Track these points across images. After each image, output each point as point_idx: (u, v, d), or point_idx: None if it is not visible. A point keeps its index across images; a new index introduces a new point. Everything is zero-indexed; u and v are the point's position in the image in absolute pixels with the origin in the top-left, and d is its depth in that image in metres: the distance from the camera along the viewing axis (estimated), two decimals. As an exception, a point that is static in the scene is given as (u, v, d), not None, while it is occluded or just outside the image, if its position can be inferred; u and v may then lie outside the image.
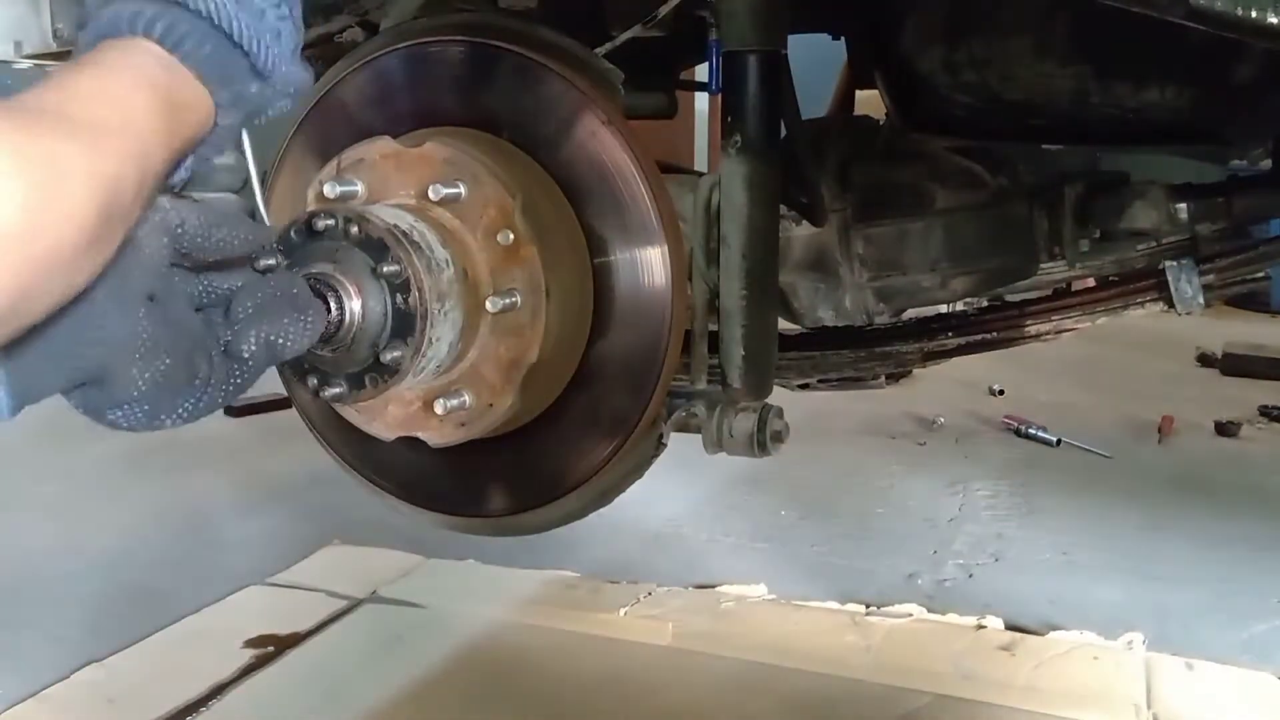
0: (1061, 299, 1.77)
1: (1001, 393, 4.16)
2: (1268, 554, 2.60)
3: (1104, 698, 1.88)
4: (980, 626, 2.15)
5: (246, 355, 0.80)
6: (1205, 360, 4.81)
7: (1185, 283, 1.58)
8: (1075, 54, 1.55)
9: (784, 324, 1.64)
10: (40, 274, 0.58)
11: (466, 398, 1.15)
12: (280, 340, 0.82)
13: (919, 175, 1.67)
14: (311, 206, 1.12)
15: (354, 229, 1.00)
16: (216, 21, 0.75)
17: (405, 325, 1.00)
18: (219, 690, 1.91)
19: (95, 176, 0.61)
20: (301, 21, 0.83)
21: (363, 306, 0.97)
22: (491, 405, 1.16)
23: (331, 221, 1.00)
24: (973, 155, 1.71)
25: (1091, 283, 1.94)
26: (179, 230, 0.75)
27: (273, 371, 1.16)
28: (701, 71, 1.95)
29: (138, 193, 0.67)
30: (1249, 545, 2.66)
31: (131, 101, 0.68)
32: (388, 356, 1.00)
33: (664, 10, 1.36)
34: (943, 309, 1.92)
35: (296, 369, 1.03)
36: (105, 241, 0.64)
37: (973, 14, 1.61)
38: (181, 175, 0.78)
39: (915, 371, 3.08)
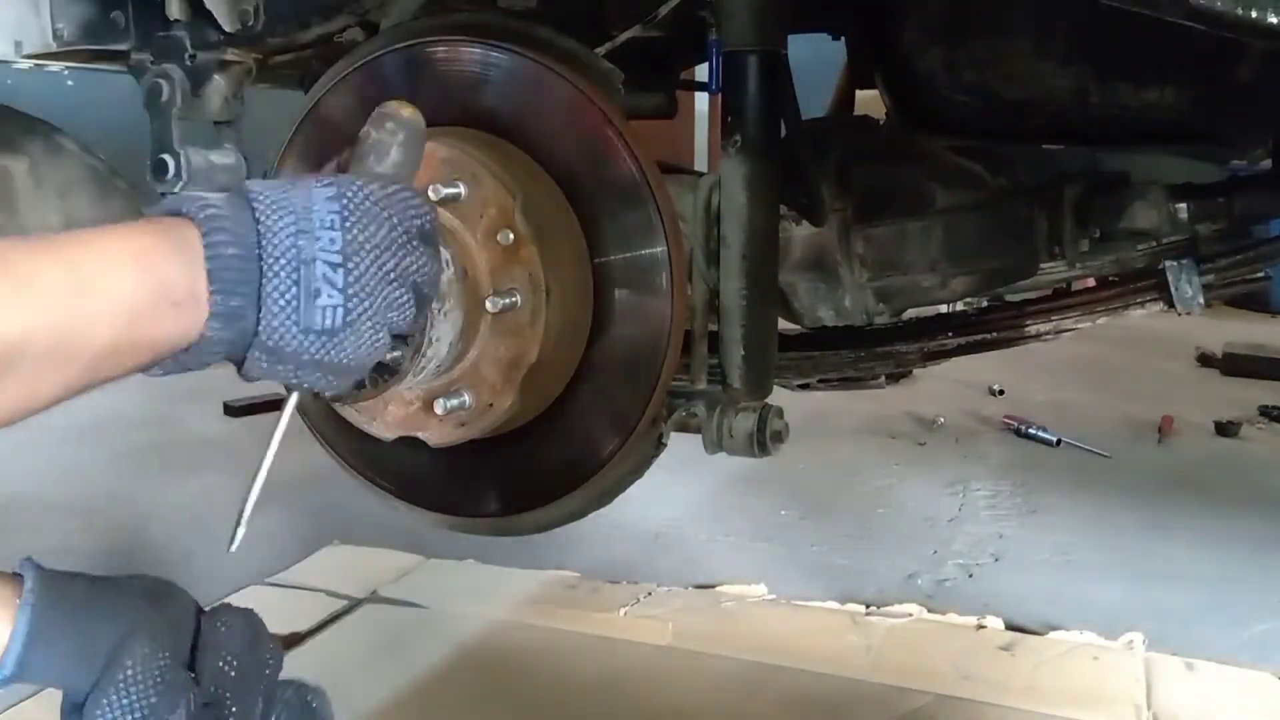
0: (1061, 299, 1.77)
1: (1001, 393, 4.15)
2: (1267, 554, 2.60)
3: (1104, 698, 1.88)
4: (980, 626, 2.15)
5: None
6: (1205, 360, 4.80)
7: (1185, 283, 1.58)
8: (1075, 54, 1.55)
9: (784, 324, 1.64)
10: None
11: (466, 398, 1.15)
12: None
13: (919, 175, 1.67)
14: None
15: (354, 229, 0.99)
16: (259, 231, 0.72)
17: (405, 325, 1.00)
18: (219, 690, 1.91)
19: None
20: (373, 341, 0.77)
21: (363, 306, 0.97)
22: (491, 405, 1.16)
23: (331, 221, 1.00)
24: (973, 155, 1.71)
25: (1091, 283, 1.94)
26: None
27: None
28: (701, 71, 1.95)
29: (46, 355, 0.64)
30: (1249, 545, 2.66)
31: (103, 270, 0.66)
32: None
33: (664, 10, 1.36)
34: (943, 309, 1.92)
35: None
36: None
37: (973, 14, 1.61)
38: (155, 371, 0.74)
39: (915, 371, 3.08)
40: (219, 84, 1.40)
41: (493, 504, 1.36)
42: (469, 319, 1.10)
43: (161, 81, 1.38)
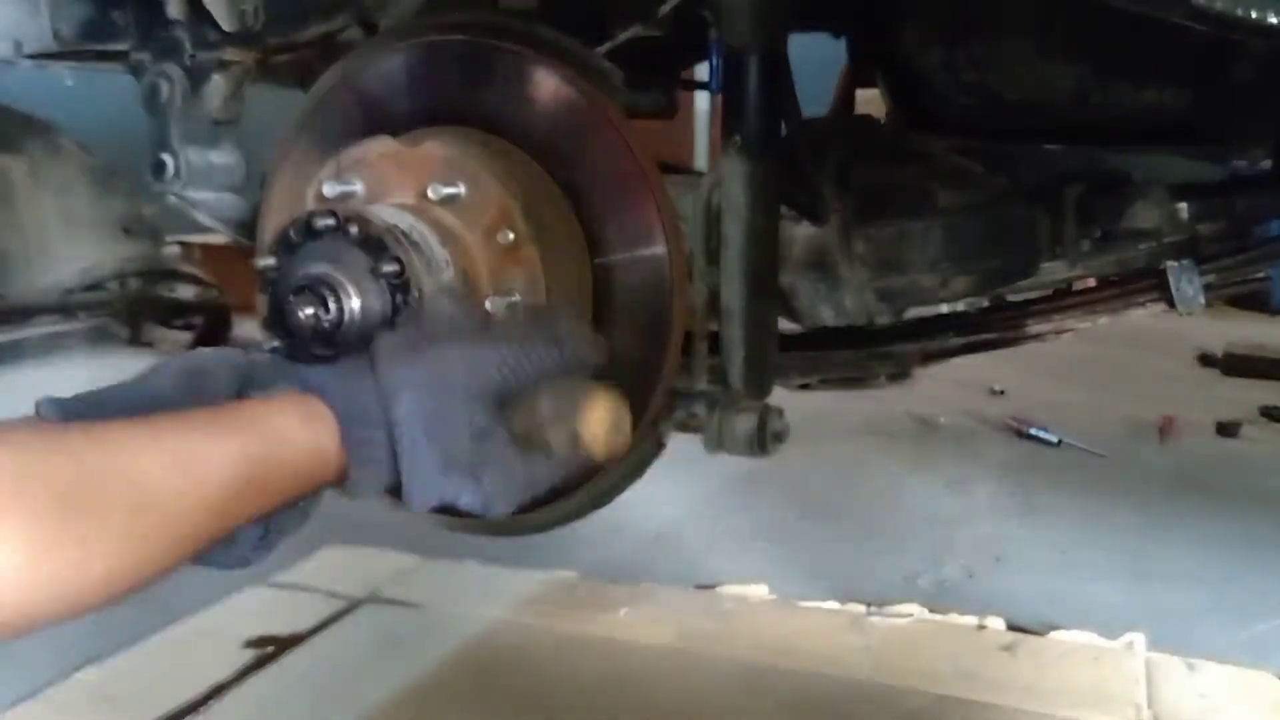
0: (1062, 299, 1.77)
1: (1002, 393, 4.15)
2: (1267, 554, 2.60)
3: (1104, 698, 1.88)
4: (981, 627, 2.15)
5: None
6: (1206, 360, 4.80)
7: (1186, 282, 1.58)
8: (1075, 54, 1.55)
9: (784, 324, 1.64)
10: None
11: (466, 398, 1.14)
12: None
13: (919, 175, 1.67)
14: (311, 206, 1.12)
15: (353, 229, 1.00)
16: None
17: (405, 325, 1.00)
18: (219, 690, 1.91)
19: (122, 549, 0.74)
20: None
21: (362, 306, 0.97)
22: (491, 405, 1.16)
23: (331, 221, 1.00)
24: (973, 155, 1.71)
25: (1092, 282, 1.94)
26: None
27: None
28: (701, 71, 1.95)
29: (274, 492, 0.83)
30: (1249, 545, 2.66)
31: (290, 435, 0.82)
32: None
33: (664, 10, 1.35)
34: (943, 309, 1.91)
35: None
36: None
37: (973, 13, 1.61)
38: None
39: (915, 371, 3.08)
40: (218, 83, 1.40)
41: (493, 504, 1.35)
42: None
43: (161, 81, 1.38)
